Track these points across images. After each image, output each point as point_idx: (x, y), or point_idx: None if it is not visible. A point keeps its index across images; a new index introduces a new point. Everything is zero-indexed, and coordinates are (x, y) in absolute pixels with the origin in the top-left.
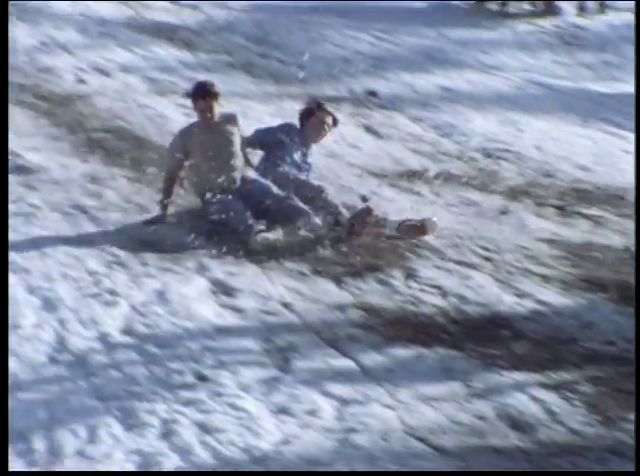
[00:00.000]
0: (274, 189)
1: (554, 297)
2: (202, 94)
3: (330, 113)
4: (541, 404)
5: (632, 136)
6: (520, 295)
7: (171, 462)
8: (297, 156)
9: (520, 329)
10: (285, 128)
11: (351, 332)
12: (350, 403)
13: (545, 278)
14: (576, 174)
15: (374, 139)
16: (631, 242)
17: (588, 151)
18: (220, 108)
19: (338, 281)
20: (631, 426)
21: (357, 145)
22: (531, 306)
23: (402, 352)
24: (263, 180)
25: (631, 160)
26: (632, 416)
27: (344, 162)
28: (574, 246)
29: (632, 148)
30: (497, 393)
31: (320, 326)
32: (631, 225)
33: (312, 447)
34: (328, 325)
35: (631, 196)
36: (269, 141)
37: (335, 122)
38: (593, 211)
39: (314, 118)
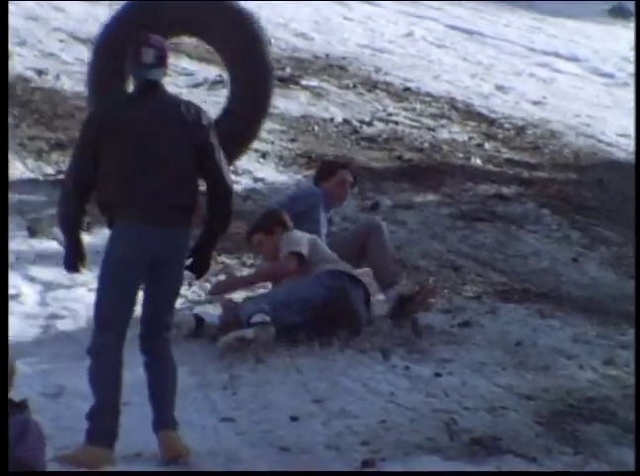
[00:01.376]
0: None
1: (271, 173)
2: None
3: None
4: None
5: (354, 3)
6: (237, 172)
7: None
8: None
9: (239, 211)
10: (312, 199)
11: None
12: (54, 287)
13: (262, 153)
14: (295, 42)
15: (81, 1)
16: (351, 115)
17: (308, 18)
18: None
19: (41, 155)
20: None
21: (61, 8)
22: (248, 184)
23: None
24: None
25: (353, 27)
26: None
27: (47, 26)
28: (292, 119)
29: (353, 15)
30: None
31: (23, 207)
32: (353, 97)
33: (14, 334)
34: (31, 206)
35: (354, 67)
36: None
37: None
38: (313, 82)
39: (335, 178)
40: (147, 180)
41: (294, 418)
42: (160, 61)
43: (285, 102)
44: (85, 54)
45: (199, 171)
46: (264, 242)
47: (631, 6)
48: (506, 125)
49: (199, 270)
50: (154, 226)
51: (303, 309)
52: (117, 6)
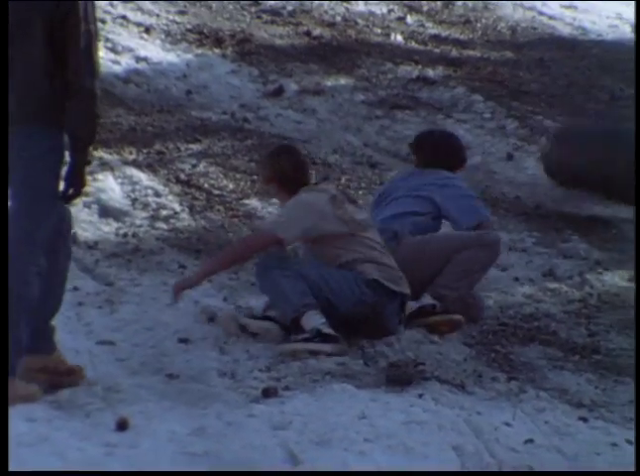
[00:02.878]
0: None
1: (157, 52)
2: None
3: None
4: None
5: None
6: (116, 50)
7: None
8: None
9: (119, 96)
10: None
11: None
12: None
13: (145, 28)
14: None
15: None
16: None
17: None
18: None
19: None
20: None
21: None
22: (129, 64)
23: None
24: None
25: None
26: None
27: None
28: None
29: None
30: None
31: None
32: None
33: None
34: None
35: None
36: None
37: None
38: None
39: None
40: (11, 71)
41: (183, 341)
42: None
43: None
44: None
45: (55, 57)
46: (269, 185)
47: None
48: None
49: (72, 187)
50: (12, 126)
51: (326, 314)
52: None
